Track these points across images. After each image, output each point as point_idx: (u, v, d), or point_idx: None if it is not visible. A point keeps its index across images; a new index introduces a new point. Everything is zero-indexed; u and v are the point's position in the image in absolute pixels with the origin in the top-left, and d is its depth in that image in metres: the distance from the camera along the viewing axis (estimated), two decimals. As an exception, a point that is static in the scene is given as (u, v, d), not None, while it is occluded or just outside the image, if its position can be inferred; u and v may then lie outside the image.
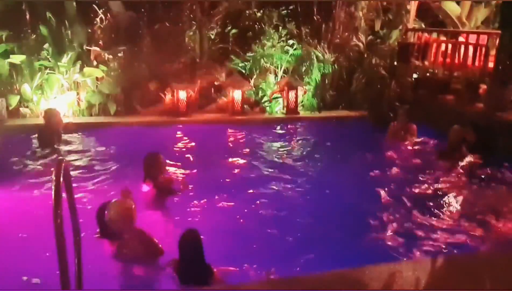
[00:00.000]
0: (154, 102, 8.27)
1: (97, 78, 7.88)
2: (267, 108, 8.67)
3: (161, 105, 8.22)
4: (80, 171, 5.59)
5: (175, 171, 5.22)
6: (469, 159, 5.86)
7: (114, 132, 7.22)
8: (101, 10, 8.23)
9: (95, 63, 8.04)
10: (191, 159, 6.26)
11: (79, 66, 7.78)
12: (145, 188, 4.61)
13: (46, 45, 7.78)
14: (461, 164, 5.88)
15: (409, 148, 6.80)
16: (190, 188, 4.86)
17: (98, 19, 8.26)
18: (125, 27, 8.26)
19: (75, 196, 2.57)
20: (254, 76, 8.90)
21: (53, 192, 2.03)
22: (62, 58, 7.68)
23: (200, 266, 3.13)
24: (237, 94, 8.26)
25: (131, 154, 5.85)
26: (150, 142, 6.39)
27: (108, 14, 8.25)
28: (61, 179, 2.07)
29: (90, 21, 8.24)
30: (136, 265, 3.40)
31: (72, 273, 2.22)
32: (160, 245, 3.48)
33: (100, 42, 8.27)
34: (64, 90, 7.75)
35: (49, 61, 7.76)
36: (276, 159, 6.44)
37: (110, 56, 8.14)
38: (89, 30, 8.21)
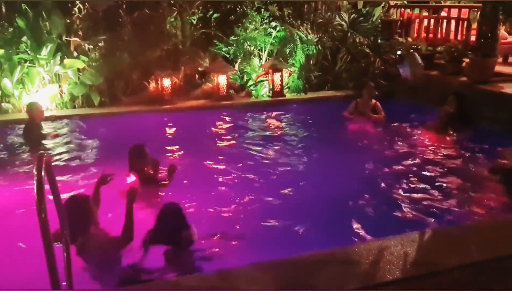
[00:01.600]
0: (138, 91, 8.17)
1: (78, 70, 7.75)
2: (253, 92, 8.63)
3: (146, 94, 8.13)
4: (66, 164, 5.54)
5: (161, 161, 5.17)
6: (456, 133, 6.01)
7: (99, 123, 7.15)
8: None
9: (75, 54, 7.89)
10: (178, 146, 6.23)
11: (60, 58, 7.62)
12: (130, 179, 4.57)
13: (24, 38, 7.61)
14: (450, 138, 6.01)
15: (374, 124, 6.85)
16: (175, 178, 4.84)
17: (76, 9, 8.09)
18: (104, 15, 8.10)
19: (62, 190, 2.54)
20: (239, 60, 8.84)
21: (35, 187, 2.00)
22: (41, 50, 7.51)
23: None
24: (222, 79, 8.20)
25: (117, 144, 5.80)
26: (136, 132, 6.34)
27: (86, 3, 8.07)
28: (43, 173, 2.04)
29: (68, 11, 8.06)
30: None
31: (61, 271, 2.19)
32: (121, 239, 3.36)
33: (79, 33, 8.11)
34: (46, 83, 7.62)
35: (29, 54, 7.60)
36: (264, 142, 6.44)
37: (91, 46, 8.00)
38: (68, 21, 8.03)
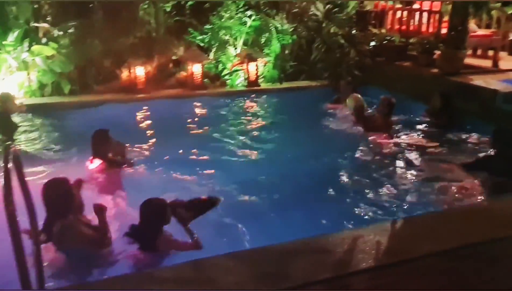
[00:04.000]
0: (110, 79, 7.99)
1: (47, 57, 7.50)
2: (228, 81, 8.57)
3: (118, 82, 7.95)
4: (36, 154, 5.40)
5: (131, 148, 5.12)
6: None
7: (70, 112, 6.97)
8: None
9: (44, 40, 7.63)
10: (152, 135, 6.16)
11: (27, 44, 7.35)
12: (93, 165, 4.55)
13: (-11, 23, 7.32)
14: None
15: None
16: (149, 167, 4.82)
17: (44, -7, 7.82)
18: (74, 1, 7.84)
19: (32, 181, 2.46)
20: (213, 49, 8.74)
21: (3, 179, 1.94)
22: (7, 36, 7.23)
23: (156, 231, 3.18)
24: (196, 68, 8.10)
25: (89, 133, 5.67)
26: (108, 120, 6.19)
27: (55, -12, 7.81)
28: (10, 164, 1.97)
29: (36, -4, 7.78)
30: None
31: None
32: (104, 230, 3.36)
33: (48, 18, 7.84)
34: (13, 71, 7.34)
35: (-6, 40, 7.31)
36: (238, 131, 6.43)
37: (60, 33, 7.74)
38: (36, 6, 7.75)
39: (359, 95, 6.52)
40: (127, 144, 4.92)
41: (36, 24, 7.69)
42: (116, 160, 4.67)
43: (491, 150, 4.91)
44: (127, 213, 3.86)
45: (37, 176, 4.49)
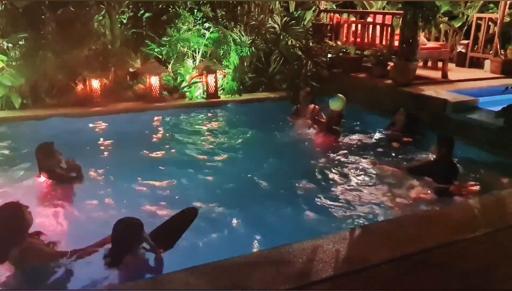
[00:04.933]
0: (64, 92, 7.73)
1: (-4, 70, 7.19)
2: (187, 93, 8.51)
3: (73, 96, 7.70)
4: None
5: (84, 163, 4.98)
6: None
7: (21, 127, 6.69)
8: (-5, -6, 7.48)
9: (-8, 52, 7.32)
10: (109, 149, 6.00)
11: (-26, 56, 7.04)
12: (41, 179, 4.42)
13: None
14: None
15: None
16: (106, 181, 4.70)
17: (-8, 4, 7.51)
18: (24, 12, 7.57)
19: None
20: (172, 61, 8.67)
21: None
22: (-48, 48, 6.91)
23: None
24: (154, 81, 7.99)
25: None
26: (62, 135, 5.99)
27: (4, -1, 7.52)
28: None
29: (-17, 7, 7.46)
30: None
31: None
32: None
33: (-4, 30, 7.54)
34: (-41, 84, 6.99)
35: None
36: (198, 143, 6.38)
37: (10, 45, 7.45)
38: (-17, 17, 7.44)
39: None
40: (76, 161, 4.72)
41: (-17, 36, 7.37)
42: (63, 174, 4.51)
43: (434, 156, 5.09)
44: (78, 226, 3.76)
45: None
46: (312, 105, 7.11)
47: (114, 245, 3.11)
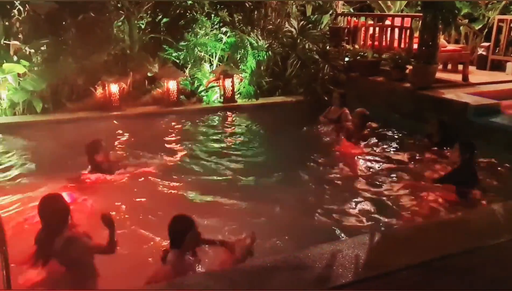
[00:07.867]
0: (84, 97, 7.85)
1: (19, 75, 7.34)
2: (204, 97, 8.55)
3: (92, 100, 7.82)
4: (9, 173, 5.25)
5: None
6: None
7: (44, 131, 6.80)
8: (18, 1, 7.64)
9: (15, 58, 7.47)
10: (128, 153, 6.06)
11: (-2, 62, 7.21)
12: (93, 176, 4.78)
13: (-42, 41, 7.13)
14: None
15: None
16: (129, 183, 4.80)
17: (15, 11, 7.67)
18: (46, 18, 7.72)
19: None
20: (189, 66, 8.73)
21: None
22: (-23, 54, 7.08)
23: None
24: (172, 85, 8.06)
25: (64, 152, 5.61)
26: (83, 139, 6.06)
27: (27, 5, 7.67)
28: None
29: (6, 13, 7.62)
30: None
31: None
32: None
33: (19, 36, 7.70)
34: (-17, 89, 7.16)
35: (-37, 58, 7.12)
36: (215, 148, 6.39)
37: (32, 50, 7.61)
38: (6, 23, 7.60)
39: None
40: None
41: (7, 42, 7.54)
42: (110, 168, 4.94)
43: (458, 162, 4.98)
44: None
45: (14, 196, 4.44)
46: (342, 109, 7.13)
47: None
